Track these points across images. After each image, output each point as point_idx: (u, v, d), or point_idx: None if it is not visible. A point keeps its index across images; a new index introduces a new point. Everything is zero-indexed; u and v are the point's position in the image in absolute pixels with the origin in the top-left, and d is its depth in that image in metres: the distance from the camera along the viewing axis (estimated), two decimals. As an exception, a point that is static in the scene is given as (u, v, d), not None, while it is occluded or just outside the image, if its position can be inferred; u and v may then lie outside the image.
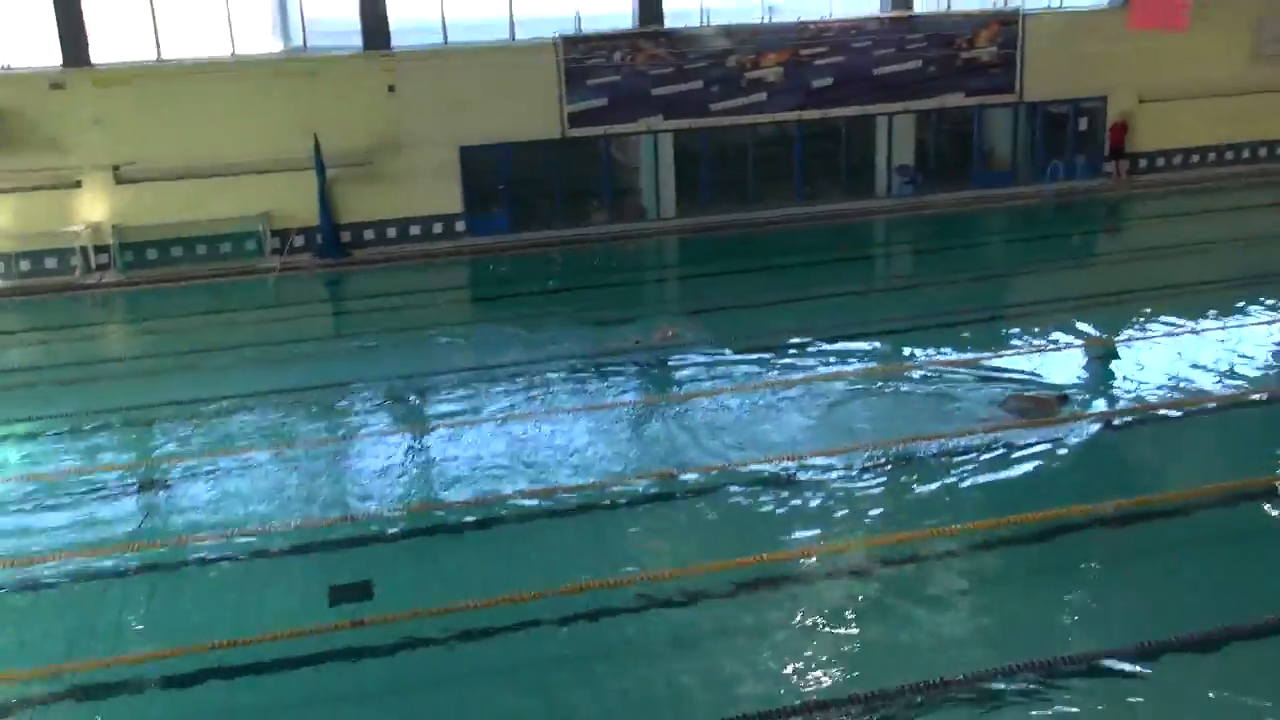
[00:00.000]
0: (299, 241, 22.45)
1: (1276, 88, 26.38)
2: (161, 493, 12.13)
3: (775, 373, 14.82)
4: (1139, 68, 25.59)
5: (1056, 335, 15.92)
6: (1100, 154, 26.06)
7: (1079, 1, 25.94)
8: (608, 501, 11.42)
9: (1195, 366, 14.42)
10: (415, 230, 23.06)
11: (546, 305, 18.83)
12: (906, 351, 15.53)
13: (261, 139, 21.96)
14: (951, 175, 25.57)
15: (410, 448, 13.06)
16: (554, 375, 15.10)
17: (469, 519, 11.18)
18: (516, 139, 23.07)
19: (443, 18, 22.94)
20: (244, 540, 10.91)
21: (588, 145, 23.61)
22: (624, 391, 14.51)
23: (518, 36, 23.31)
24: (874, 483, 11.59)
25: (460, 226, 23.25)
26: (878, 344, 15.97)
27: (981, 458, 11.96)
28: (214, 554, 10.69)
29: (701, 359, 15.48)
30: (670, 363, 15.49)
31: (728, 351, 15.70)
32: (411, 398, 14.77)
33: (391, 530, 11.07)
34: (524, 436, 13.09)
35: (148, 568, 10.54)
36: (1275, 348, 15.53)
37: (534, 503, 11.45)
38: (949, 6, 25.15)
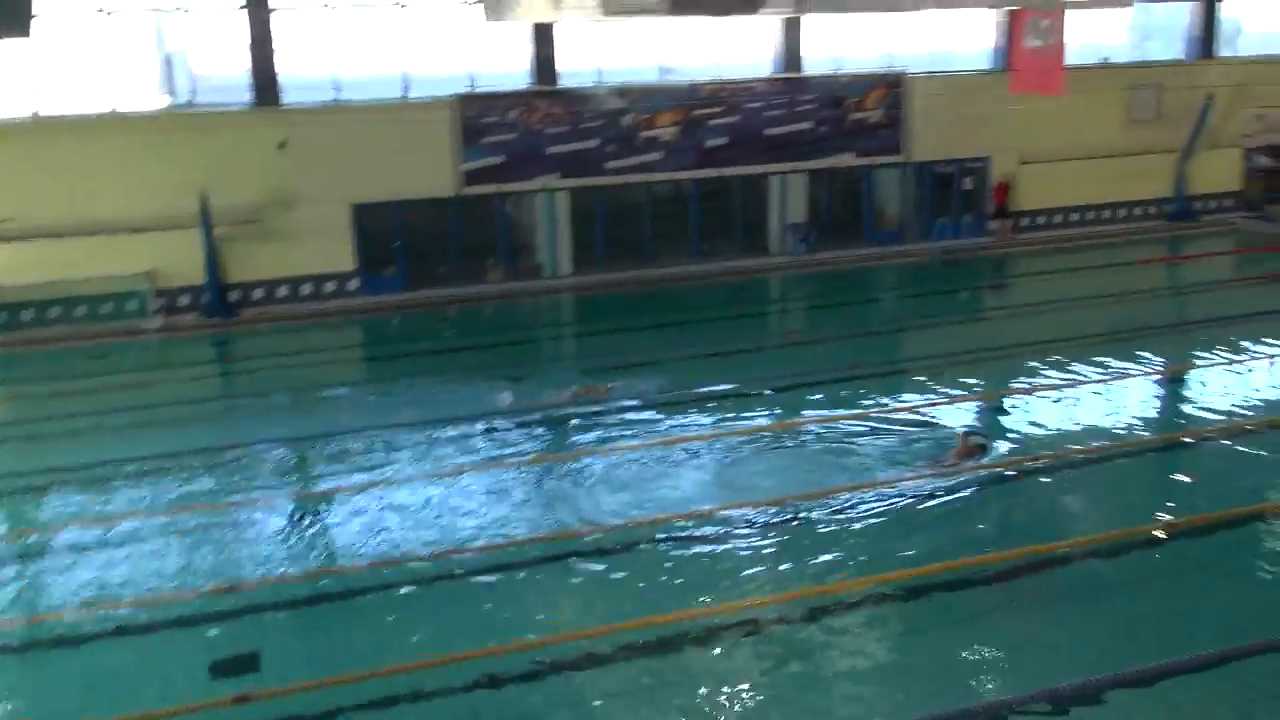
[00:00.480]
0: (184, 300, 21.83)
1: (1147, 150, 27.53)
2: (37, 564, 11.53)
3: (676, 429, 14.79)
4: (1020, 130, 26.47)
5: (947, 388, 16.22)
6: (985, 212, 26.82)
7: (962, 65, 26.82)
8: (506, 563, 11.18)
9: (1083, 418, 14.80)
10: (306, 289, 22.62)
11: (442, 364, 18.55)
12: (805, 406, 15.68)
13: (145, 196, 21.39)
14: (844, 233, 26.03)
15: (301, 512, 12.66)
16: (450, 435, 14.84)
17: (362, 585, 10.83)
18: (411, 196, 22.87)
19: (336, 74, 22.72)
20: (124, 612, 10.40)
21: (484, 203, 23.50)
22: (522, 450, 14.31)
23: (412, 94, 23.18)
24: (776, 538, 11.57)
25: (353, 285, 22.88)
26: (776, 399, 16.09)
27: (880, 508, 12.04)
28: (92, 628, 10.16)
29: (600, 416, 15.37)
30: (568, 420, 15.35)
31: (627, 408, 15.63)
32: (302, 460, 14.35)
33: (281, 599, 10.66)
34: (420, 498, 12.80)
35: (20, 646, 9.97)
36: (1154, 399, 16.08)
37: (429, 566, 11.16)
38: (838, 69, 25.75)
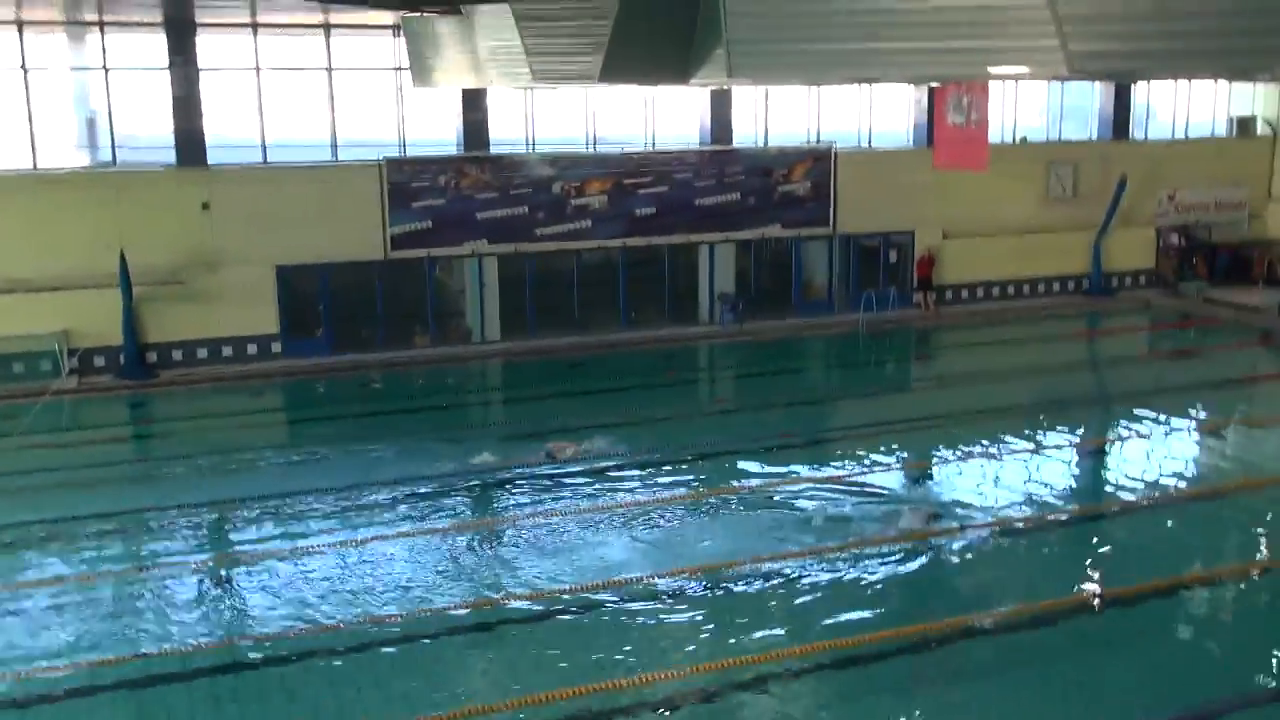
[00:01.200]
0: (100, 361, 21.29)
1: (1063, 227, 28.28)
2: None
3: (605, 496, 14.69)
4: (943, 205, 27.04)
5: (873, 457, 16.37)
6: (909, 285, 27.27)
7: (887, 141, 27.42)
8: (423, 633, 10.93)
9: (1006, 489, 14.96)
10: (228, 351, 22.19)
11: (365, 429, 18.24)
12: (734, 473, 15.69)
13: (62, 254, 20.92)
14: (772, 303, 26.26)
15: (215, 579, 12.28)
16: (372, 500, 14.56)
17: (277, 654, 10.49)
18: (337, 259, 22.65)
19: (262, 136, 22.55)
20: (25, 683, 9.94)
21: (411, 267, 23.36)
22: (447, 517, 14.09)
23: (341, 157, 23.08)
24: (706, 606, 11.46)
25: (276, 348, 22.51)
26: (706, 466, 16.07)
27: (811, 576, 12.00)
28: (-10, 700, 9.70)
29: (527, 482, 15.21)
30: (495, 486, 15.17)
31: (554, 474, 15.49)
32: (215, 525, 13.95)
33: (191, 668, 10.27)
34: (340, 565, 12.50)
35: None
36: (1076, 471, 16.33)
37: (350, 635, 10.85)
38: (766, 142, 26.17)
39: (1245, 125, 30.12)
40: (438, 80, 19.38)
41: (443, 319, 23.98)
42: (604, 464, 15.86)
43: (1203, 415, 18.85)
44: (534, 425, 18.03)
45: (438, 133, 24.05)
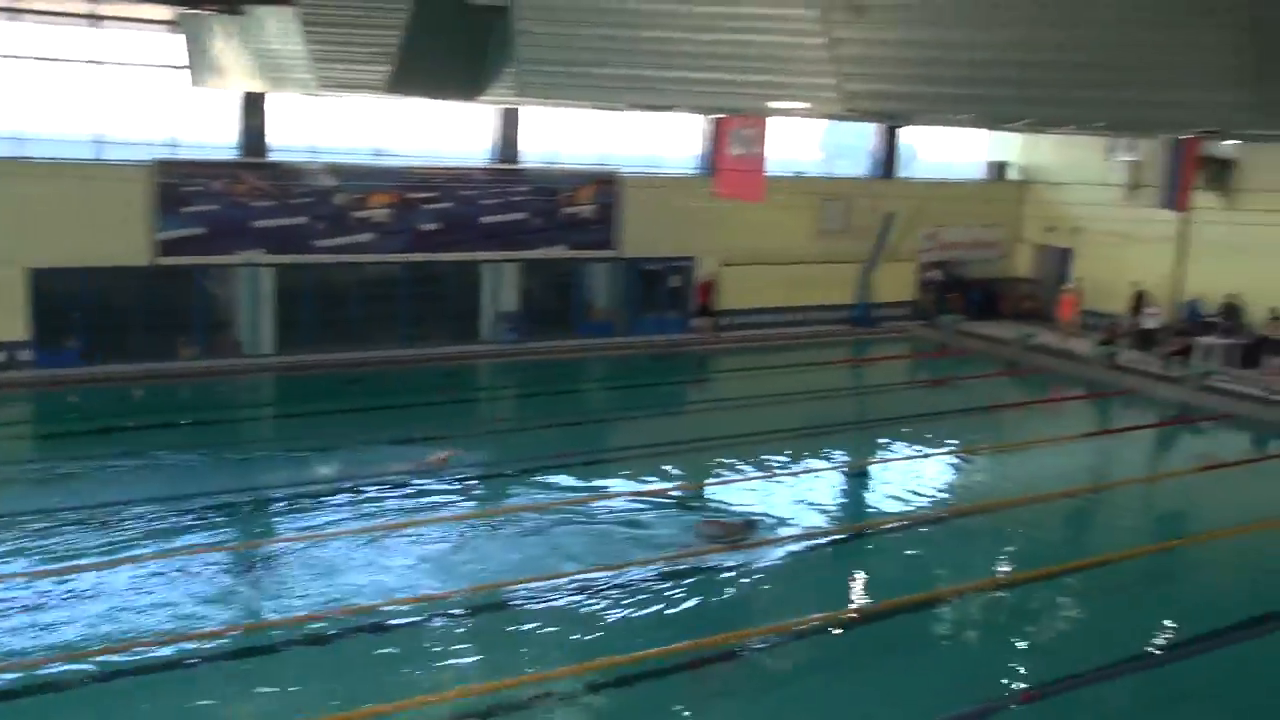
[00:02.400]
0: None
1: (833, 259, 29.53)
2: None
3: (377, 516, 14.40)
4: (723, 233, 27.78)
5: (649, 477, 16.70)
6: (690, 310, 27.86)
7: (672, 168, 27.98)
8: (182, 658, 10.41)
9: (774, 508, 15.47)
10: (-30, 358, 20.56)
11: (119, 444, 17.18)
12: (511, 491, 15.68)
13: None
14: (554, 324, 26.33)
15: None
16: (124, 520, 13.76)
17: (16, 688, 9.74)
18: (98, 264, 21.34)
19: (19, 129, 21.04)
20: None
21: (181, 276, 22.25)
22: (204, 537, 13.48)
23: (106, 156, 21.79)
24: (480, 626, 11.35)
25: (25, 356, 20.99)
26: (484, 484, 15.97)
27: (582, 596, 12.05)
28: None
29: (290, 501, 14.75)
30: (262, 504, 14.62)
31: (320, 494, 15.12)
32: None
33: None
34: (92, 589, 11.73)
35: None
36: (841, 492, 17.05)
37: (108, 661, 10.19)
38: (553, 162, 26.28)
39: (1000, 170, 32.26)
40: (217, 82, 18.60)
41: (213, 331, 22.94)
42: (374, 482, 15.57)
43: (955, 440, 19.99)
44: (302, 442, 17.51)
45: (215, 136, 23.05)
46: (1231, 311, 26.30)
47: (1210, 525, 16.31)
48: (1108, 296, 27.93)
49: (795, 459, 17.99)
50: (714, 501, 15.83)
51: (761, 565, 13.49)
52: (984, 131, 31.15)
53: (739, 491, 16.25)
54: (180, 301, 22.45)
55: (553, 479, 16.30)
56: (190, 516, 14.07)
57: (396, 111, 24.20)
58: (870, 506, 16.43)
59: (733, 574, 13.12)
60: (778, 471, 17.31)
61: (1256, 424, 21.82)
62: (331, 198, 23.25)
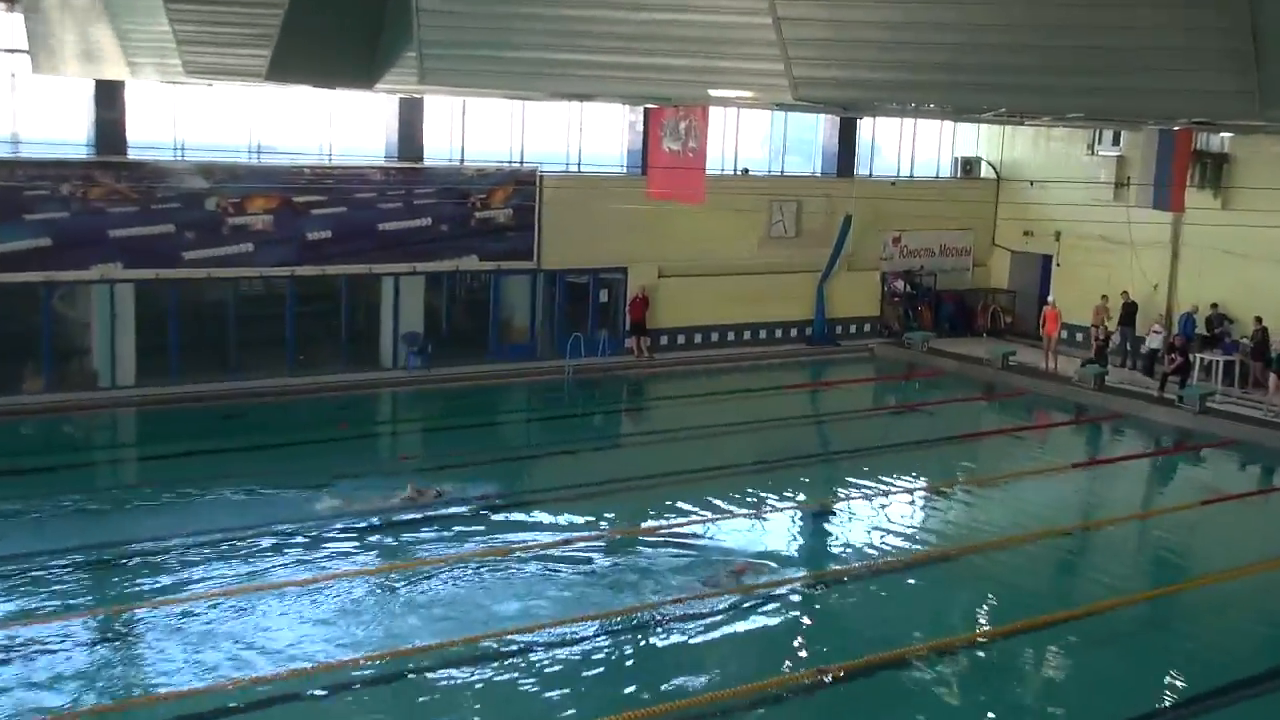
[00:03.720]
0: None
1: (784, 269, 29.75)
2: None
3: (260, 574, 14.26)
4: (659, 241, 27.86)
5: (576, 520, 16.75)
6: (621, 329, 27.86)
7: (599, 166, 28.03)
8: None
9: (723, 555, 15.44)
10: None
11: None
12: (415, 542, 15.59)
13: None
14: (466, 346, 26.18)
15: None
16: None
17: None
18: (-77, 282, 20.84)
19: None
20: None
21: (23, 294, 21.76)
22: (47, 603, 13.22)
23: (-68, 155, 21.35)
24: (382, 691, 11.16)
25: None
26: (388, 534, 15.88)
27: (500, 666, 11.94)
28: None
29: (153, 559, 14.56)
30: (119, 563, 14.42)
31: (197, 549, 14.92)
32: None
33: None
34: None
35: None
36: (798, 535, 17.12)
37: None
38: (463, 160, 26.21)
39: (969, 166, 32.75)
40: (64, 68, 18.26)
41: (62, 359, 22.48)
42: (255, 534, 15.43)
43: (927, 475, 20.17)
44: (170, 488, 17.24)
45: (63, 131, 22.63)
46: (1220, 322, 26.87)
47: (1214, 566, 16.60)
48: (1093, 308, 28.30)
49: (744, 498, 18.05)
50: (648, 550, 15.77)
51: (709, 621, 13.48)
52: (951, 124, 31.62)
53: (684, 535, 16.26)
54: (22, 325, 21.97)
55: (468, 526, 16.21)
56: (29, 579, 13.75)
57: (278, 103, 23.97)
58: (832, 551, 16.50)
59: (669, 630, 13.10)
60: (725, 513, 17.35)
61: (1262, 451, 22.28)
62: (202, 202, 22.92)
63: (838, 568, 15.66)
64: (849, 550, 16.33)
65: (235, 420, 21.56)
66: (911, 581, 15.29)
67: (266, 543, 15.23)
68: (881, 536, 16.79)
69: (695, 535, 16.37)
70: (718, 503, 17.73)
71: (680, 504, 17.60)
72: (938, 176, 32.90)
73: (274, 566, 14.56)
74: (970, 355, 28.73)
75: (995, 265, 32.88)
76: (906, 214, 31.03)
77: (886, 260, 31.43)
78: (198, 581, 13.93)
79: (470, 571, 14.58)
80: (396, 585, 14.10)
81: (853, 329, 30.89)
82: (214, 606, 13.22)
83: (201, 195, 22.91)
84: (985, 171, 32.86)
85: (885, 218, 30.95)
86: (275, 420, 21.80)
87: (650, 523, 16.93)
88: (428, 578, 14.33)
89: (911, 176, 32.42)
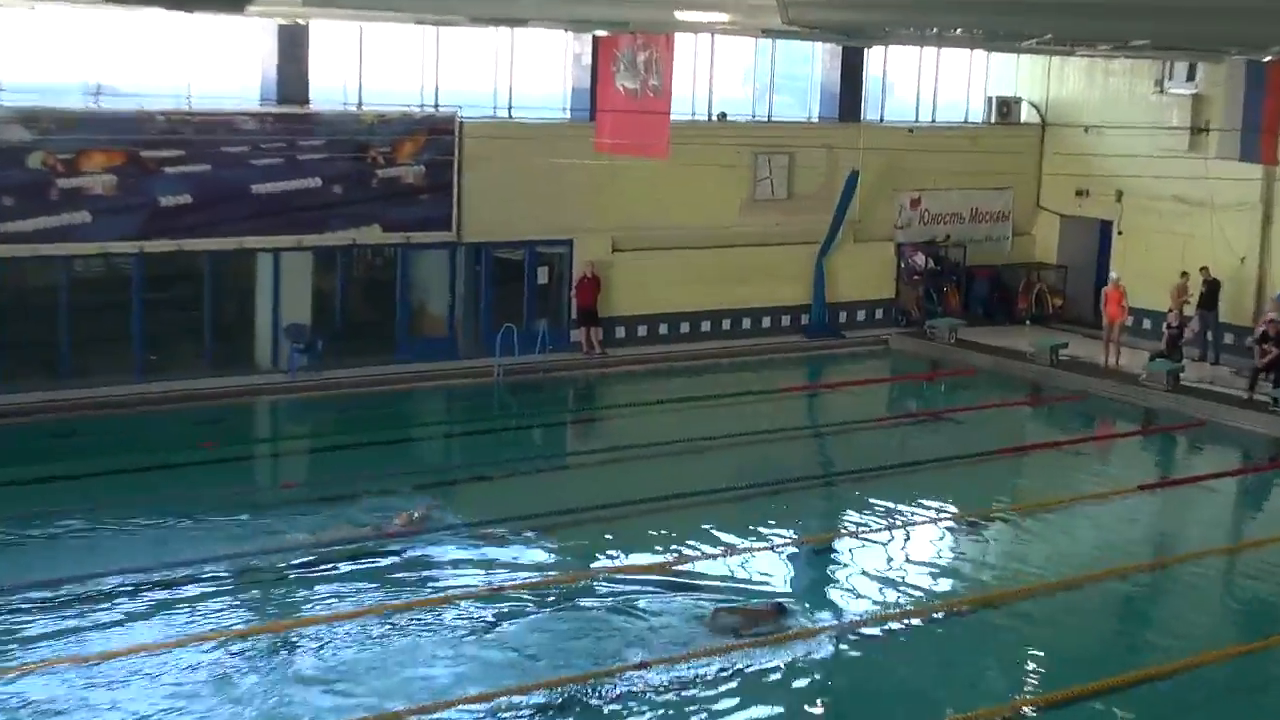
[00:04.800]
0: None
1: (775, 240, 29.83)
2: None
3: (107, 635, 14.23)
4: (612, 205, 27.87)
5: (517, 559, 16.87)
6: (566, 318, 27.81)
7: (535, 110, 27.95)
8: None
9: (702, 602, 15.43)
10: None
11: None
12: (300, 593, 15.66)
13: None
14: (368, 342, 26.09)
15: None
16: None
17: None
18: None
19: None
20: None
21: None
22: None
23: None
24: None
25: None
26: (262, 587, 15.88)
27: None
28: None
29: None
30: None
31: (20, 608, 14.84)
32: None
33: None
34: None
35: None
36: (798, 576, 17.16)
37: None
38: (360, 104, 26.10)
39: (1007, 109, 32.89)
40: None
41: None
42: (97, 584, 15.40)
43: (955, 501, 20.22)
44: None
45: None
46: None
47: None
48: (1166, 288, 28.37)
49: (726, 531, 18.07)
50: (602, 597, 15.79)
51: (691, 686, 13.50)
52: (983, 54, 31.74)
53: (649, 580, 16.31)
54: None
55: (368, 571, 16.23)
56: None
57: (122, 31, 23.78)
58: (835, 600, 16.46)
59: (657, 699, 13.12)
60: (699, 551, 17.37)
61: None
62: (24, 159, 22.74)
63: (843, 620, 15.61)
64: (857, 598, 16.30)
65: (67, 439, 21.49)
66: (939, 635, 15.32)
67: (112, 595, 15.16)
68: (898, 580, 16.84)
69: (662, 581, 16.34)
70: (691, 540, 17.73)
71: (645, 540, 17.66)
72: (967, 122, 33.10)
73: (122, 624, 14.50)
74: (1010, 348, 28.87)
75: (1041, 233, 33.07)
76: (928, 170, 31.17)
77: (903, 228, 31.54)
78: (19, 646, 13.86)
79: (377, 629, 14.54)
80: (280, 649, 14.02)
81: (861, 316, 31.00)
82: (48, 677, 13.18)
83: (22, 150, 22.74)
84: (1027, 115, 33.05)
85: (901, 174, 31.07)
86: (120, 439, 21.65)
87: (604, 562, 16.97)
88: (319, 639, 14.25)
89: (934, 122, 32.59)
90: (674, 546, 17.56)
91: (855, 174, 29.96)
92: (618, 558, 17.20)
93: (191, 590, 15.54)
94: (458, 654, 14.09)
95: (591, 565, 17.01)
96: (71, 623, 14.52)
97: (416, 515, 18.01)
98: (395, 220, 25.87)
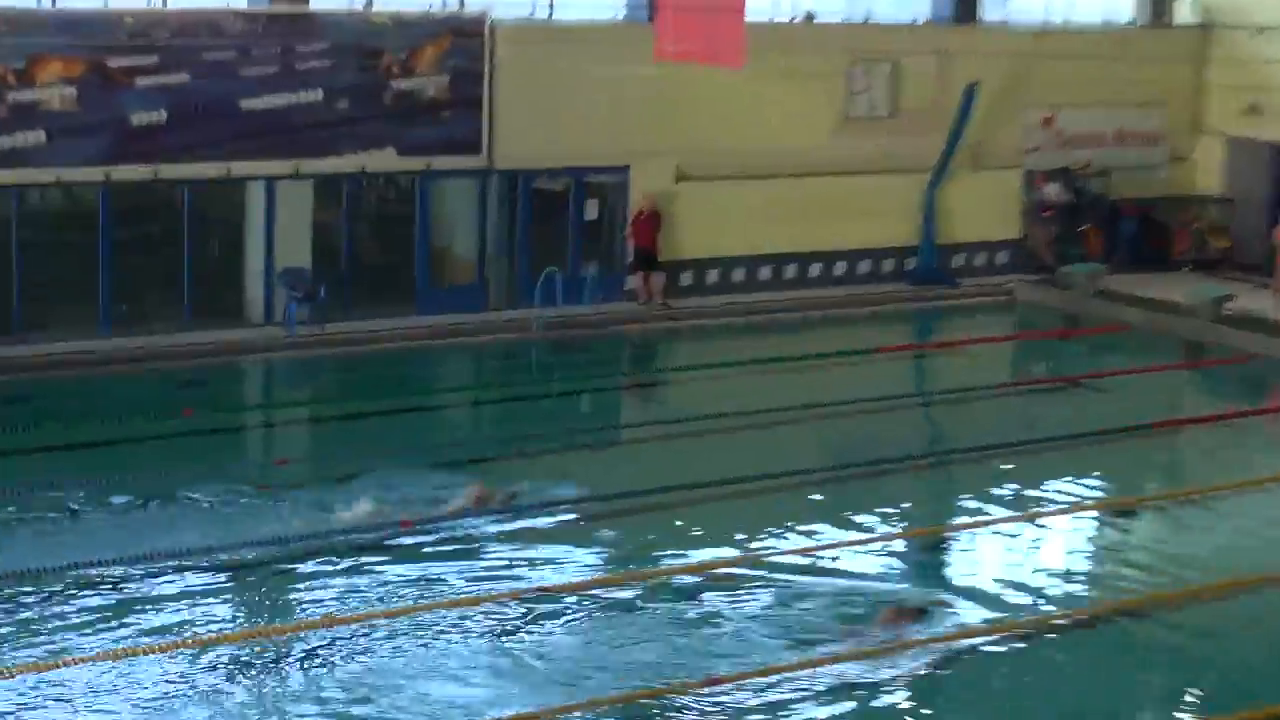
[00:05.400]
0: None
1: (867, 167, 29.55)
2: None
3: (61, 638, 14.24)
4: (677, 126, 27.67)
5: (574, 549, 16.93)
6: (619, 261, 27.71)
7: (579, 13, 27.82)
8: None
9: (799, 605, 15.36)
10: None
11: None
12: (301, 591, 15.73)
13: None
14: (380, 290, 26.11)
15: None
16: None
17: None
18: None
19: None
20: None
21: None
22: None
23: None
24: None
25: None
26: (255, 581, 15.96)
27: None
28: None
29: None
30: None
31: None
32: None
33: None
34: None
35: None
36: (908, 575, 16.99)
37: None
38: (370, 3, 25.97)
39: (1160, 7, 32.51)
40: None
41: None
42: (53, 578, 15.47)
43: (1098, 487, 20.04)
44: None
45: None
46: None
47: None
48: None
49: (816, 521, 17.99)
50: (674, 593, 15.81)
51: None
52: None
53: (723, 581, 16.18)
54: None
55: (375, 569, 16.23)
56: None
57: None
58: (957, 604, 16.26)
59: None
60: (788, 544, 17.26)
61: None
62: (-36, 70, 22.87)
63: (961, 628, 15.46)
64: (980, 603, 16.01)
65: (21, 404, 21.66)
66: (1078, 651, 15.00)
67: (73, 592, 15.25)
68: (1029, 581, 16.54)
69: (739, 580, 16.25)
70: (773, 530, 17.67)
71: (717, 532, 17.59)
72: (1110, 22, 32.69)
73: (86, 627, 14.55)
74: (1164, 300, 28.59)
75: (1203, 160, 32.66)
76: (1063, 82, 30.94)
77: (1032, 153, 31.20)
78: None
79: (393, 636, 14.50)
80: (276, 659, 14.01)
81: (980, 260, 30.82)
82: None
83: (-37, 58, 22.86)
84: (1185, 14, 32.62)
85: (1030, 88, 30.78)
86: (82, 405, 21.81)
87: (668, 557, 16.90)
88: (321, 647, 14.23)
89: (1069, 23, 32.21)
90: (753, 539, 17.41)
91: (973, 87, 29.64)
92: (683, 553, 17.08)
93: (168, 588, 15.54)
94: (492, 666, 14.03)
95: (653, 561, 16.87)
96: (25, 625, 14.56)
97: (489, 496, 17.97)
98: (413, 143, 25.81)
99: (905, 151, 29.77)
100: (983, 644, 15.07)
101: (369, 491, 18.25)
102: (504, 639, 14.62)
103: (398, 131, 25.66)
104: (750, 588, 16.04)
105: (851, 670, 14.03)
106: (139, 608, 15.14)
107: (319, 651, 14.21)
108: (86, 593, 15.33)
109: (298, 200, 25.37)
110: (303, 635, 14.56)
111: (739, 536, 17.55)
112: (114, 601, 15.23)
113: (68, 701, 13.14)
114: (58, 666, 13.65)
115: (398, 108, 25.59)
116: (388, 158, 25.71)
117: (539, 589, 15.81)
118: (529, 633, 14.79)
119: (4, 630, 14.49)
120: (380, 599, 15.48)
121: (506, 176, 26.73)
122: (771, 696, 13.61)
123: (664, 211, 27.59)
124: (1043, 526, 18.53)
